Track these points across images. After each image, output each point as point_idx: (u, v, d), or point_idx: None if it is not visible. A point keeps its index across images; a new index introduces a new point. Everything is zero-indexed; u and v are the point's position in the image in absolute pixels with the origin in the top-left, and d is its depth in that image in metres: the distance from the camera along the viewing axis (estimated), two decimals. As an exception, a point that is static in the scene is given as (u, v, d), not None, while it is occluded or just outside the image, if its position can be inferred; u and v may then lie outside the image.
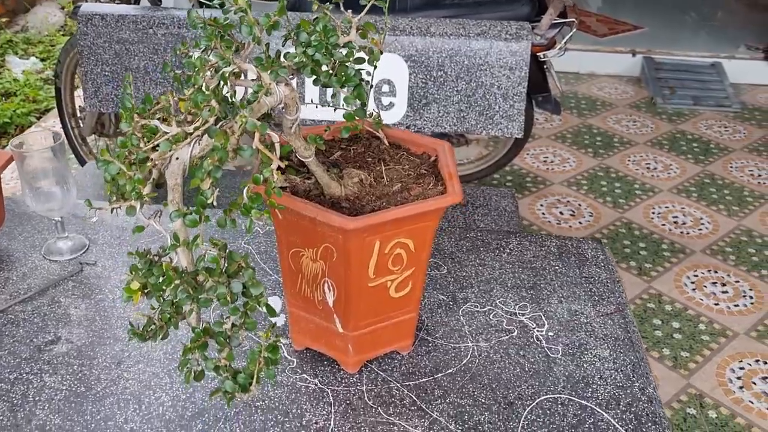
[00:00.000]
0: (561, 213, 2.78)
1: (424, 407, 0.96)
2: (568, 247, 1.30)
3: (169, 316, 0.76)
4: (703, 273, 2.47)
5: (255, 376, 0.73)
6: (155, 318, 0.77)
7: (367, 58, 0.81)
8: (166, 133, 0.71)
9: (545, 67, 2.58)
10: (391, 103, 1.94)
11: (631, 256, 2.55)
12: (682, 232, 2.69)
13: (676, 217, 2.79)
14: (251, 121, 0.69)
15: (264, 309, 0.74)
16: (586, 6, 4.98)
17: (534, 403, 0.97)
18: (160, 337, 0.77)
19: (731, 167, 3.13)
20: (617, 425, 0.93)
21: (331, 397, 0.97)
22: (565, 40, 2.44)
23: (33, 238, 1.29)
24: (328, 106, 1.92)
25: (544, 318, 1.12)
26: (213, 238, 0.73)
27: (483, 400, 0.97)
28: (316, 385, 0.99)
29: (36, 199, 1.17)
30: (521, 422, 0.94)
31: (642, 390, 0.99)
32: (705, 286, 2.40)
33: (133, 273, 0.77)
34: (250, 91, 0.77)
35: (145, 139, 0.72)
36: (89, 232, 1.30)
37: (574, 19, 2.41)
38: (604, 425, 0.93)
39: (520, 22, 1.93)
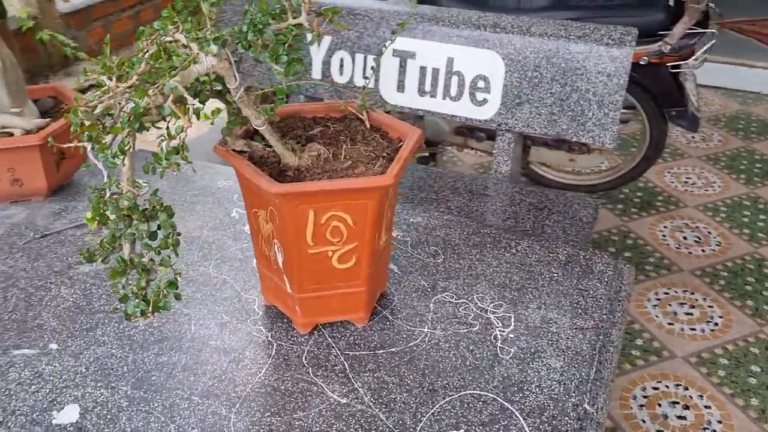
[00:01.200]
0: (684, 238, 2.59)
1: (351, 376, 1.01)
2: (577, 258, 1.26)
3: (107, 244, 0.89)
4: (832, 327, 2.18)
5: (152, 305, 0.84)
6: (102, 244, 0.91)
7: (308, 37, 0.87)
8: (114, 86, 0.84)
9: (684, 78, 2.41)
10: (485, 99, 1.96)
11: (750, 295, 2.31)
12: (822, 279, 2.38)
13: (822, 261, 2.47)
14: (169, 84, 0.79)
15: (171, 250, 0.85)
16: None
17: (456, 395, 0.98)
18: (101, 260, 0.91)
19: None
20: (526, 432, 0.92)
21: (274, 350, 1.05)
22: (702, 50, 2.27)
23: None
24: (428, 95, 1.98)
25: (513, 320, 1.11)
26: (137, 182, 0.85)
27: (408, 382, 1.00)
28: (267, 337, 1.08)
29: (102, 143, 1.38)
30: (433, 408, 0.95)
31: (575, 407, 0.96)
32: (829, 342, 2.12)
33: (90, 204, 0.91)
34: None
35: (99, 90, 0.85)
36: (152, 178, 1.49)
37: (714, 30, 2.23)
38: (515, 430, 0.92)
39: (626, 28, 1.84)
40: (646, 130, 2.55)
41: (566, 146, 2.64)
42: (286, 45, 0.85)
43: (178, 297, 0.86)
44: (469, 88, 1.95)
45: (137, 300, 0.86)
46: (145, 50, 0.83)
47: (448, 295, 1.17)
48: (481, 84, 1.95)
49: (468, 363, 1.03)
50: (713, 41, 2.22)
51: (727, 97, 3.64)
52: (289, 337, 1.08)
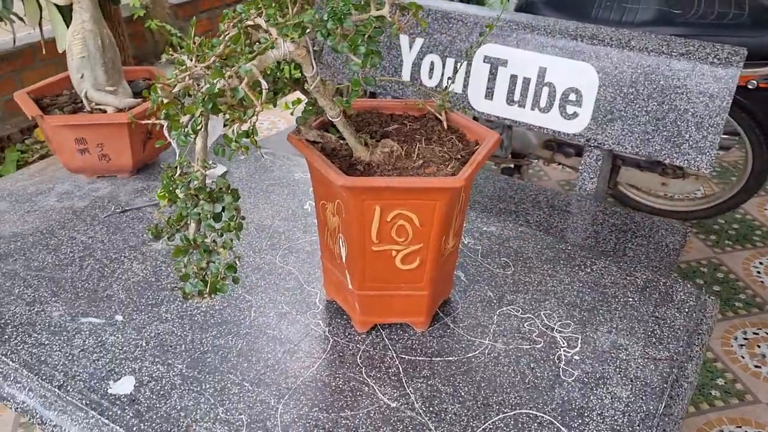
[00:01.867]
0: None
1: (404, 381, 0.98)
2: (657, 284, 1.18)
3: (175, 222, 0.90)
4: None
5: (210, 286, 0.84)
6: (170, 222, 0.92)
7: (387, 31, 0.85)
8: (193, 65, 0.84)
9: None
10: (575, 112, 1.89)
11: None
12: None
13: None
14: (244, 67, 0.79)
15: (234, 233, 0.85)
16: None
17: (511, 413, 0.93)
18: (167, 237, 0.92)
19: None
20: (582, 461, 0.86)
21: (329, 346, 1.04)
22: (819, 78, 2.11)
23: (192, 161, 1.54)
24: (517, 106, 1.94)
25: (579, 341, 1.06)
26: (206, 162, 0.85)
27: (462, 394, 0.96)
28: (324, 332, 1.07)
29: (187, 126, 1.41)
30: (485, 424, 0.91)
31: (638, 440, 0.90)
32: None
33: (162, 181, 0.92)
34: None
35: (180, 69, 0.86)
36: (230, 164, 1.52)
37: (835, 57, 2.07)
38: (570, 457, 0.87)
39: (735, 47, 1.73)
40: (749, 158, 2.40)
41: (660, 169, 2.52)
42: (366, 36, 0.84)
43: (236, 281, 0.86)
44: (559, 100, 1.89)
45: (196, 280, 0.87)
46: (226, 32, 0.83)
47: (514, 309, 1.12)
48: (572, 97, 1.89)
49: (527, 381, 0.98)
50: (832, 68, 2.06)
51: None
52: (347, 334, 1.06)
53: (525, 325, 1.09)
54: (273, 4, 0.82)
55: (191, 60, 0.84)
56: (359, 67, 0.85)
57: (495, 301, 1.14)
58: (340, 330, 1.07)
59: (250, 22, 0.82)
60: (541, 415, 0.93)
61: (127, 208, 1.37)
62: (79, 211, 1.37)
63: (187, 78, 0.83)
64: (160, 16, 3.89)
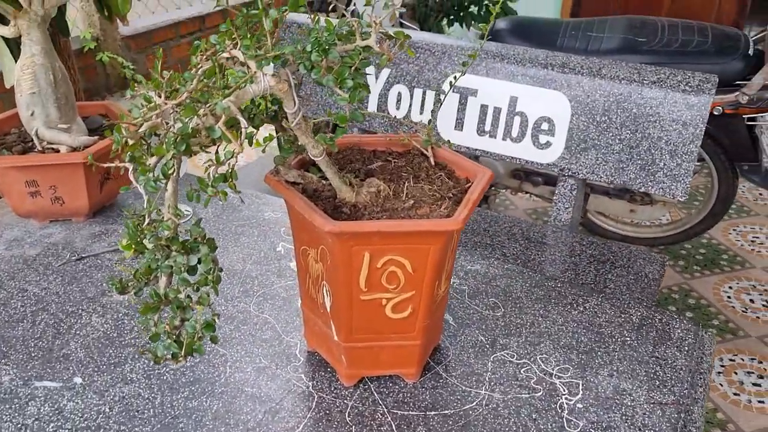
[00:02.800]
0: (751, 301, 2.42)
1: (398, 440, 0.90)
2: (652, 321, 1.13)
3: (142, 275, 0.81)
4: None
5: (185, 348, 0.75)
6: (135, 276, 0.82)
7: (375, 61, 0.79)
8: (162, 103, 0.76)
9: (756, 132, 2.27)
10: (548, 142, 1.86)
11: (826, 369, 2.13)
12: None
13: None
14: (221, 104, 0.72)
15: (211, 288, 0.76)
16: None
17: (516, 472, 0.86)
18: (134, 292, 0.82)
19: None
20: None
21: (314, 403, 0.95)
22: (783, 104, 2.13)
23: (154, 202, 1.44)
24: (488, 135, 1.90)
25: (581, 387, 0.99)
26: (179, 209, 0.77)
27: (463, 452, 0.89)
28: (307, 387, 0.98)
29: (148, 165, 1.32)
30: (490, 486, 0.84)
31: (655, 497, 0.83)
32: None
33: (127, 230, 0.83)
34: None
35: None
36: (197, 205, 1.42)
37: (796, 83, 2.09)
38: None
39: (706, 74, 1.73)
40: (715, 184, 2.41)
41: (628, 196, 2.51)
42: (352, 68, 0.77)
43: (214, 340, 0.77)
44: (531, 130, 1.85)
45: (169, 341, 0.77)
46: (199, 66, 0.76)
47: (508, 354, 1.05)
48: (545, 126, 1.85)
49: (530, 434, 0.91)
50: (795, 94, 2.08)
51: (798, 155, 3.46)
52: (332, 389, 0.98)
53: (522, 371, 1.02)
54: (249, 35, 0.75)
55: (159, 96, 0.75)
56: (346, 102, 0.78)
57: (488, 346, 1.07)
58: (325, 384, 0.98)
59: (225, 55, 0.75)
60: (549, 473, 0.86)
61: (83, 255, 1.27)
62: (30, 260, 1.25)
63: (155, 116, 0.74)
64: (112, 48, 3.77)
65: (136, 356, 1.03)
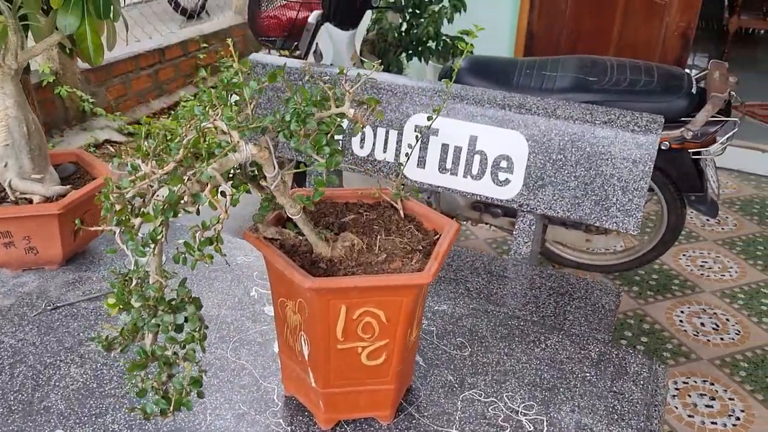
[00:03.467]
0: (702, 324, 2.53)
1: (375, 481, 0.95)
2: (610, 356, 1.20)
3: (129, 333, 0.84)
4: None
5: (173, 403, 0.79)
6: (121, 334, 0.86)
7: (348, 128, 0.85)
8: (150, 171, 0.81)
9: (701, 165, 2.40)
10: (507, 179, 1.94)
11: (773, 389, 2.24)
12: None
13: None
14: (206, 173, 0.76)
15: (198, 345, 0.80)
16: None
17: None
18: (120, 350, 0.86)
19: None
20: None
21: (293, 448, 0.99)
22: (725, 138, 2.26)
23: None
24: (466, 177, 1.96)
25: (545, 423, 1.05)
26: (166, 271, 0.81)
27: (437, 491, 0.94)
28: (286, 432, 1.02)
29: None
30: None
31: None
32: None
33: (114, 289, 0.87)
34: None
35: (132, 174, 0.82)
36: (170, 251, 1.45)
37: (737, 119, 2.22)
38: None
39: (653, 115, 1.83)
40: (664, 213, 2.53)
41: (584, 226, 2.61)
42: (329, 136, 0.82)
43: (200, 395, 0.81)
44: (491, 168, 1.93)
45: (157, 397, 0.81)
46: (183, 136, 0.80)
47: (476, 393, 1.11)
48: (503, 164, 1.94)
49: (499, 472, 0.97)
50: (735, 130, 2.21)
51: (741, 180, 3.63)
52: (310, 433, 1.02)
53: (489, 409, 1.08)
54: (229, 104, 0.80)
55: (146, 164, 0.80)
56: (323, 168, 0.83)
57: (456, 386, 1.12)
58: (303, 428, 1.02)
59: (209, 125, 0.80)
60: (518, 508, 0.92)
61: (58, 305, 1.28)
62: (4, 311, 1.27)
63: (142, 184, 0.79)
64: (71, 81, 3.76)
65: (117, 406, 1.05)
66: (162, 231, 0.78)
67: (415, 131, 1.78)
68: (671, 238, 2.57)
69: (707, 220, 3.22)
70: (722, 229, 3.18)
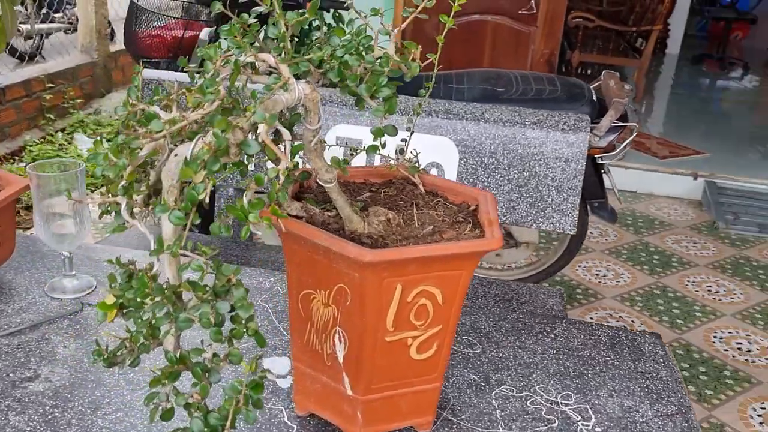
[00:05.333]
0: (626, 327, 2.58)
1: (439, 497, 0.79)
2: (621, 339, 1.14)
3: (142, 338, 0.64)
4: (772, 407, 2.21)
5: (230, 418, 0.60)
6: (127, 340, 0.66)
7: (404, 72, 0.72)
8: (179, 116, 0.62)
9: (603, 172, 2.48)
10: (437, 187, 1.85)
11: (690, 380, 2.31)
12: (747, 360, 2.45)
13: (741, 343, 2.55)
14: (260, 112, 0.60)
15: (252, 336, 0.62)
16: (647, 130, 4.93)
17: (574, 508, 0.79)
18: (129, 362, 0.65)
19: (802, 298, 2.90)
20: None
21: (330, 474, 0.82)
22: (624, 143, 2.35)
23: (41, 275, 1.21)
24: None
25: (590, 411, 0.96)
26: (201, 245, 0.62)
27: (512, 497, 0.80)
28: (314, 457, 0.84)
29: (46, 228, 1.10)
30: None
31: (710, 507, 0.81)
32: (775, 422, 2.14)
33: (111, 284, 0.66)
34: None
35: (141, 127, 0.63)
36: (100, 274, 1.21)
37: (635, 123, 2.33)
38: None
39: (579, 114, 1.85)
40: (569, 222, 2.57)
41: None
42: (385, 77, 0.69)
43: (258, 405, 0.63)
44: (421, 175, 1.85)
45: (196, 413, 0.62)
46: (216, 72, 0.63)
47: (507, 389, 0.99)
48: (434, 171, 1.87)
49: (567, 467, 0.85)
50: (635, 134, 2.30)
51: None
52: (343, 454, 0.85)
53: (528, 404, 0.96)
54: (284, 37, 0.64)
55: (169, 110, 0.62)
56: (381, 114, 0.70)
57: (483, 384, 1.00)
58: (333, 451, 0.85)
59: (249, 59, 0.64)
60: (606, 502, 0.80)
61: (-31, 345, 1.01)
62: None
63: (176, 130, 0.60)
64: None
65: (88, 454, 0.82)
66: (204, 189, 0.60)
67: (338, 143, 1.66)
68: (576, 246, 2.62)
69: (590, 233, 3.36)
70: (606, 240, 3.32)
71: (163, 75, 2.00)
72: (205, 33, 2.35)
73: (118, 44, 5.09)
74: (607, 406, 0.97)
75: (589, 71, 6.04)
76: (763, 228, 3.54)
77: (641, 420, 0.95)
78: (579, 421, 0.94)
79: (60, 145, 4.09)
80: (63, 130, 4.33)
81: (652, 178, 3.97)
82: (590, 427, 0.93)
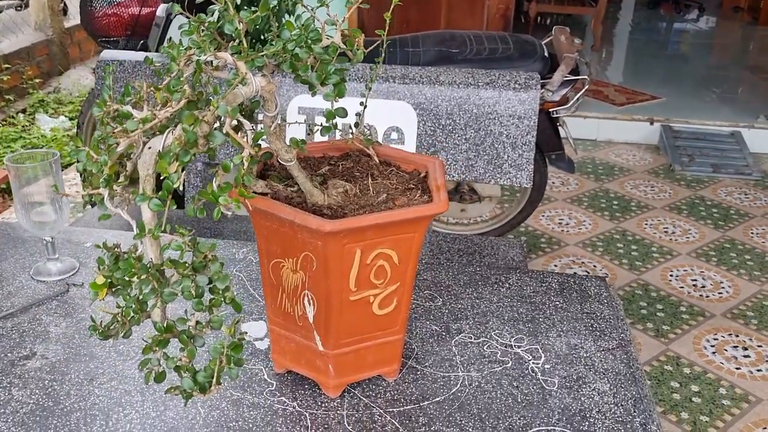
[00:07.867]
0: (575, 274, 2.72)
1: (406, 434, 0.90)
2: (570, 284, 1.25)
3: (132, 312, 0.72)
4: (723, 336, 2.37)
5: (215, 376, 0.69)
6: (119, 315, 0.74)
7: (350, 58, 0.80)
8: (150, 115, 0.70)
9: (558, 124, 2.58)
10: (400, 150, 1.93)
11: (648, 318, 2.46)
12: (701, 296, 2.60)
13: (695, 280, 2.71)
14: (222, 106, 0.68)
15: (229, 304, 0.71)
16: (605, 78, 5.04)
17: (526, 434, 0.90)
18: (122, 334, 0.74)
19: (752, 233, 3.06)
20: (614, 459, 0.86)
21: (308, 421, 0.91)
22: (577, 96, 2.45)
23: (24, 260, 1.27)
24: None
25: (540, 350, 1.07)
26: (180, 227, 0.70)
27: (471, 430, 0.91)
28: (294, 408, 0.93)
29: (26, 216, 1.16)
30: (510, 453, 0.87)
31: (644, 426, 0.92)
32: (726, 350, 2.30)
33: (100, 267, 0.74)
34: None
35: (117, 125, 0.70)
36: (81, 255, 1.28)
37: (586, 77, 2.42)
38: (601, 459, 0.87)
39: (529, 72, 1.93)
40: (529, 174, 2.68)
41: (458, 197, 2.70)
42: (333, 65, 0.77)
43: (239, 363, 0.71)
44: (383, 140, 1.93)
45: (186, 374, 0.70)
46: (180, 72, 0.70)
47: (465, 336, 1.09)
48: (394, 135, 1.94)
49: (519, 400, 0.96)
50: (587, 87, 2.40)
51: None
52: (320, 403, 0.94)
53: (485, 348, 1.07)
54: (240, 36, 0.71)
55: (142, 109, 0.69)
56: (332, 98, 0.78)
57: (444, 333, 1.10)
58: (310, 401, 0.95)
59: (209, 58, 0.71)
60: (552, 428, 0.91)
61: (-35, 330, 1.08)
62: None
63: (140, 131, 0.68)
64: None
65: (89, 420, 0.90)
66: (180, 178, 0.67)
67: (300, 113, 1.72)
68: (537, 197, 2.73)
69: (552, 182, 3.48)
70: (567, 189, 3.44)
71: (123, 55, 2.03)
72: (161, 9, 2.37)
73: (73, 19, 5.02)
74: (555, 345, 1.08)
75: (548, 20, 6.10)
76: (716, 168, 3.69)
77: (585, 355, 1.06)
78: (530, 360, 1.04)
79: (23, 126, 4.08)
80: (24, 111, 4.30)
81: (610, 125, 4.09)
82: (540, 365, 1.03)
